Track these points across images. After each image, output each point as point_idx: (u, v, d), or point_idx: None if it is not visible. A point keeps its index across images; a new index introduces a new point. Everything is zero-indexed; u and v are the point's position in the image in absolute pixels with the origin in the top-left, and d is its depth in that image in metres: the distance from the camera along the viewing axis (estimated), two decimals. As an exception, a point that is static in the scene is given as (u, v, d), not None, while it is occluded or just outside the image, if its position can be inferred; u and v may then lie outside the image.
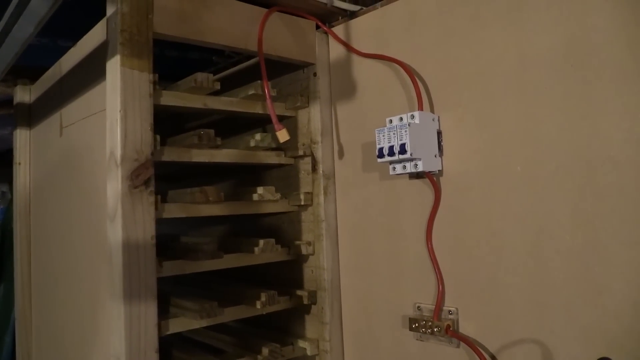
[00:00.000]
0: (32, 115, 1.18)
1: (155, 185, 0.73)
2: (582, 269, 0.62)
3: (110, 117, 0.71)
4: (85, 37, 0.85)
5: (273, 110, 0.82)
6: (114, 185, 0.70)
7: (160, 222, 0.74)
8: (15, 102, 1.18)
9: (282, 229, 1.01)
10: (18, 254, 1.17)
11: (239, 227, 1.13)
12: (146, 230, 0.71)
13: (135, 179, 0.70)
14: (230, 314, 0.85)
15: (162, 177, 0.75)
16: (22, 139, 1.17)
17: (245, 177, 1.12)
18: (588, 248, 0.62)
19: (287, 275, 0.99)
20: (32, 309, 1.16)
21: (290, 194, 0.95)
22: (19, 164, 1.17)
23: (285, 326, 1.00)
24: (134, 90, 0.71)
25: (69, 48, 0.93)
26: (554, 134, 0.65)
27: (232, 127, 1.09)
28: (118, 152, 0.69)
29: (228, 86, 0.91)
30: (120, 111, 0.69)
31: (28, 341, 1.16)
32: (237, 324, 1.06)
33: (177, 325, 0.78)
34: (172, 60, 1.42)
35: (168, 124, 1.06)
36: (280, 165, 1.00)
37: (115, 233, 0.69)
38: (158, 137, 0.75)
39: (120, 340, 0.68)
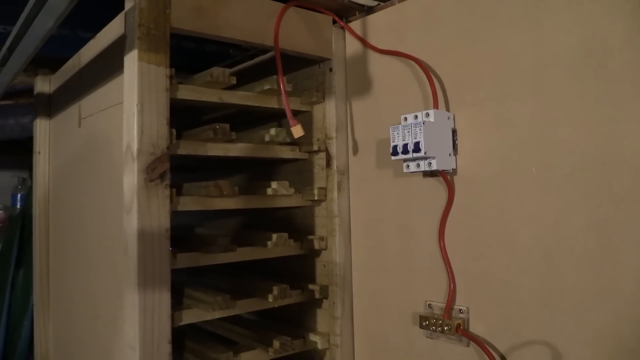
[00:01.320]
0: (52, 105, 1.20)
1: (170, 177, 0.74)
2: (595, 272, 0.62)
3: (127, 111, 0.72)
4: (103, 30, 0.86)
5: (288, 105, 0.83)
6: (130, 178, 0.71)
7: (175, 212, 0.75)
8: (35, 92, 1.20)
9: (295, 224, 1.01)
10: (37, 241, 1.19)
11: (253, 220, 1.14)
12: (161, 223, 0.72)
13: (151, 173, 0.71)
14: (243, 307, 0.86)
15: (175, 168, 0.76)
16: (42, 128, 1.19)
17: (259, 171, 1.12)
18: (601, 251, 0.61)
19: (300, 269, 1.00)
20: (50, 295, 1.19)
21: (304, 189, 0.96)
22: (39, 153, 1.19)
23: (296, 319, 1.01)
24: (151, 85, 0.72)
25: (88, 39, 0.94)
26: (571, 136, 0.65)
27: (247, 120, 1.10)
28: (134, 146, 0.70)
29: (244, 80, 0.92)
30: (137, 105, 0.70)
31: (46, 326, 1.19)
32: (250, 316, 1.07)
33: (190, 316, 0.79)
34: (189, 51, 1.43)
35: (183, 115, 1.07)
36: (294, 160, 1.00)
37: (130, 225, 0.71)
38: (174, 131, 0.76)
39: (134, 330, 0.70)
